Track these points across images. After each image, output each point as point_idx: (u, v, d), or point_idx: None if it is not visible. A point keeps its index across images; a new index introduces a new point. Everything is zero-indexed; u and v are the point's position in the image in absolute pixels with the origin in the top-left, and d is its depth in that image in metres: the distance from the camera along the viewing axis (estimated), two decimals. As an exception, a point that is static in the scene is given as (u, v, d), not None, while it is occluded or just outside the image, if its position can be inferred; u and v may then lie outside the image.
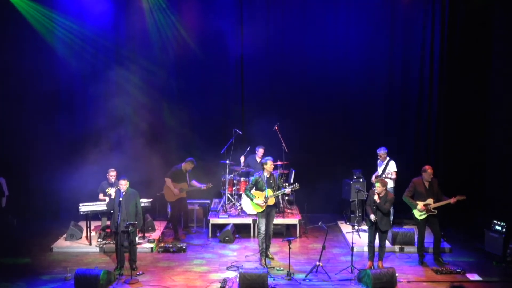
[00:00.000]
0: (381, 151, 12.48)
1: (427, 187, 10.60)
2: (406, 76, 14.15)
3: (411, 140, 14.32)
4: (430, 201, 10.55)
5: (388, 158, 12.43)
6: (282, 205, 12.82)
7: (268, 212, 10.66)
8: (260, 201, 10.60)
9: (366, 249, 10.89)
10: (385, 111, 14.32)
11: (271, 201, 10.60)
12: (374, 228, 10.25)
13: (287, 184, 12.23)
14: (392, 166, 12.34)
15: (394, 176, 12.24)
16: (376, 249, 10.43)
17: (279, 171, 12.75)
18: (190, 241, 12.23)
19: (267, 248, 10.81)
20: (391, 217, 12.02)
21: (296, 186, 10.84)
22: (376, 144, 12.98)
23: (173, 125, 13.97)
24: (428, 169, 10.61)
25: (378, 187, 10.12)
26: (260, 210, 10.65)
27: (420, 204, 10.58)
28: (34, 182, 13.60)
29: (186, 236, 12.62)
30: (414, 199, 10.70)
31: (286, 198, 13.17)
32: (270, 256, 10.94)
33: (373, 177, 12.49)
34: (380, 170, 12.48)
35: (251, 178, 11.08)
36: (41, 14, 13.38)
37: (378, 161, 12.66)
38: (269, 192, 10.54)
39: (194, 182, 12.55)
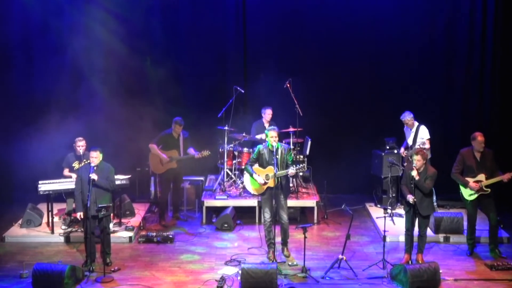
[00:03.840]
0: (406, 117, 12.40)
1: (479, 159, 10.55)
2: (452, 21, 14.08)
3: (458, 101, 14.40)
4: (481, 177, 10.47)
5: (417, 124, 12.41)
6: (295, 184, 12.77)
7: (273, 194, 10.32)
8: (260, 178, 10.37)
9: (402, 238, 10.89)
10: (424, 64, 14.27)
11: (271, 183, 10.30)
12: (412, 212, 10.13)
13: (298, 159, 12.20)
14: (424, 133, 12.30)
15: (427, 145, 12.17)
16: (415, 238, 10.34)
17: (291, 140, 12.79)
18: (178, 229, 12.19)
19: (283, 244, 10.57)
20: (434, 199, 11.75)
21: (303, 167, 10.65)
22: (414, 107, 12.83)
23: (157, 82, 13.90)
24: (478, 136, 10.52)
25: (417, 160, 9.97)
26: (259, 191, 10.45)
27: (472, 182, 10.49)
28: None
29: (175, 222, 12.59)
30: (463, 175, 10.63)
31: (301, 174, 13.05)
32: (286, 254, 10.58)
33: (402, 150, 12.62)
34: (410, 140, 12.45)
35: (255, 149, 10.90)
36: None
37: (405, 128, 12.67)
38: (270, 170, 10.25)
39: (190, 150, 12.40)
